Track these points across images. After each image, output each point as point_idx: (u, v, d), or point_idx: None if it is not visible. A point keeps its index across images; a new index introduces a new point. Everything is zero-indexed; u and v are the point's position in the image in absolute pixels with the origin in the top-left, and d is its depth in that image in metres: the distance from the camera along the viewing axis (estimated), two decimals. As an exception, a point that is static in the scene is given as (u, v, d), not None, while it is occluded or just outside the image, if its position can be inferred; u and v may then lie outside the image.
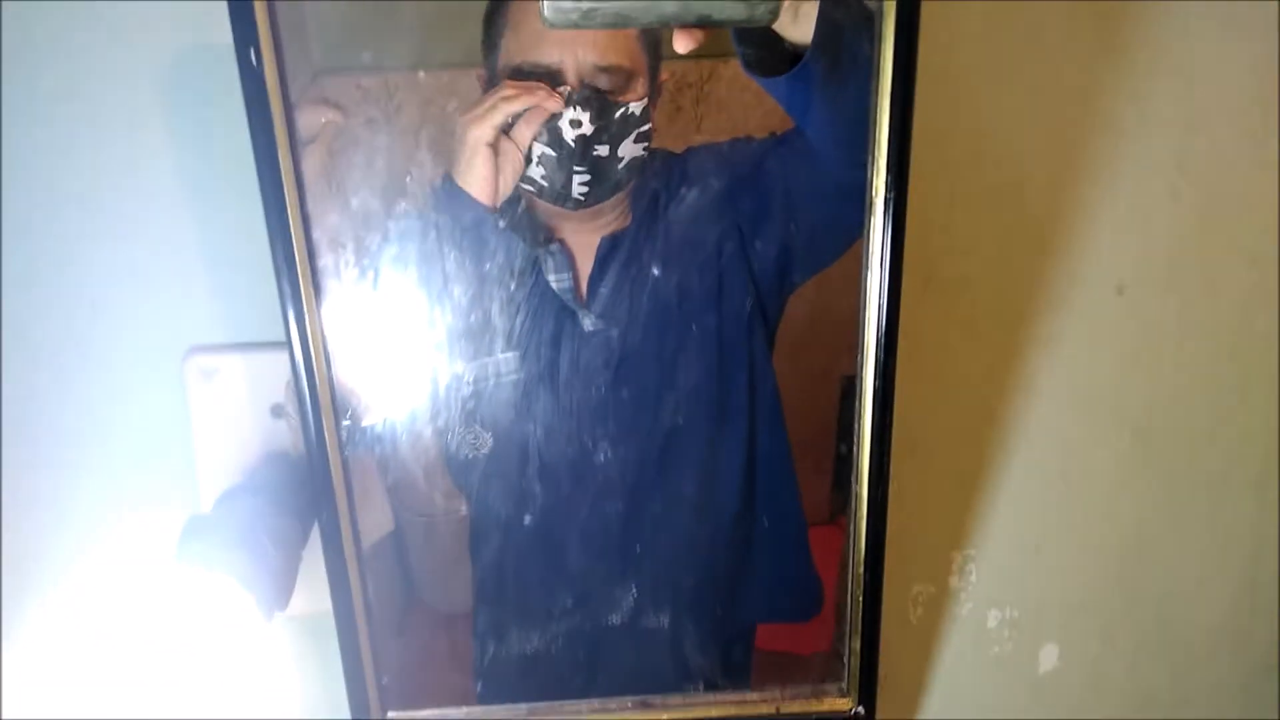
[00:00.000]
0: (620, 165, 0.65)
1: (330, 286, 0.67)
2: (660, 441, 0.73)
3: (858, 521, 0.75)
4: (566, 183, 0.65)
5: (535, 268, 0.69)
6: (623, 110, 0.64)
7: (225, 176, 0.69)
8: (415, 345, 0.70)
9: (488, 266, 0.69)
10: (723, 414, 0.72)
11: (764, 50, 0.61)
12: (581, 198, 0.65)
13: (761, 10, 0.51)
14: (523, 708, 0.80)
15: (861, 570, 0.76)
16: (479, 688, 0.80)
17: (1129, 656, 0.84)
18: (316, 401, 0.69)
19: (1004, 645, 0.83)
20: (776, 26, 0.59)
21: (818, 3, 0.57)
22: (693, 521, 0.75)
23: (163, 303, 0.72)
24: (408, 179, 0.67)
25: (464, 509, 0.75)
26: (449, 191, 0.65)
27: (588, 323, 0.70)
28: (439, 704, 0.80)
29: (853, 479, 0.74)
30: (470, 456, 0.72)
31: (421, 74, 0.66)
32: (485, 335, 0.70)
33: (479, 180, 0.64)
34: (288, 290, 0.66)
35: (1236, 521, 0.81)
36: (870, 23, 0.60)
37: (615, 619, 0.78)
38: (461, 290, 0.69)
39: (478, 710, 0.80)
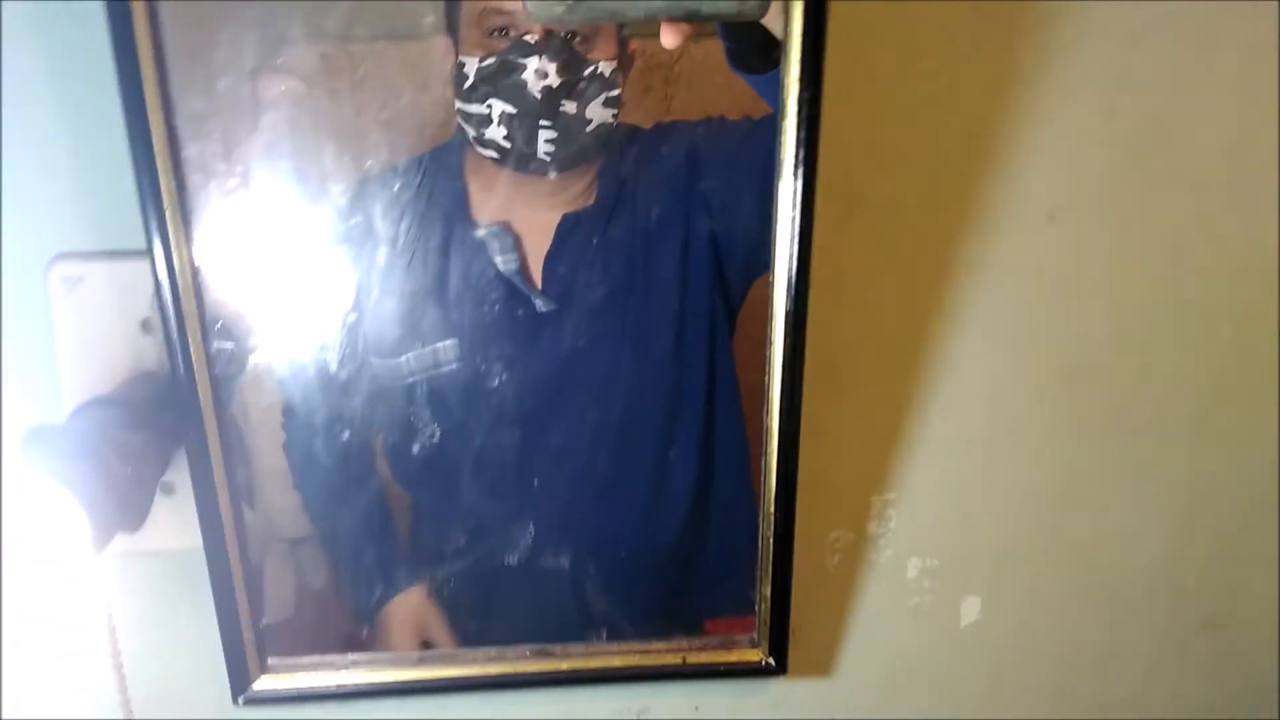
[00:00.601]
0: (588, 128, 0.62)
1: (206, 194, 0.62)
2: (614, 431, 0.70)
3: (768, 457, 0.71)
4: (531, 139, 0.62)
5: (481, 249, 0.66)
6: (592, 68, 0.61)
7: (97, 74, 0.63)
8: (301, 268, 0.66)
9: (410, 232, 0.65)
10: (678, 403, 0.70)
11: (750, 45, 0.60)
12: (547, 157, 0.63)
13: (751, 5, 0.50)
14: (413, 655, 0.76)
15: (772, 510, 0.71)
16: (366, 633, 0.75)
17: (1056, 610, 0.80)
18: (180, 313, 0.64)
19: (924, 596, 0.79)
20: (765, 21, 0.56)
21: None
22: (645, 512, 0.73)
23: (26, 207, 0.66)
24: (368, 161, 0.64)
25: (346, 436, 0.69)
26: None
27: (540, 304, 0.67)
28: (323, 650, 0.76)
29: (763, 411, 0.70)
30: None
31: (382, 44, 0.62)
32: (415, 312, 0.66)
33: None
34: (147, 190, 0.61)
35: (1172, 466, 0.77)
36: None
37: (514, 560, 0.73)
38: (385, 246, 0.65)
39: (365, 657, 0.75)
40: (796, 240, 0.64)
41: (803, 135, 0.61)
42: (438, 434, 0.70)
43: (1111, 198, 0.71)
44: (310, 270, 0.66)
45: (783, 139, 0.62)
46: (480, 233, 0.66)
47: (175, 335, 0.64)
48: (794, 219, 0.64)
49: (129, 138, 0.60)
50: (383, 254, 0.66)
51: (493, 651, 0.76)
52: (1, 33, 0.63)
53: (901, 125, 0.69)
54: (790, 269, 0.65)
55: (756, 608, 0.74)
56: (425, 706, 0.78)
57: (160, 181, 0.61)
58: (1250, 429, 0.78)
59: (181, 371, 0.65)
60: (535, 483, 0.71)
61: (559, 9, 0.50)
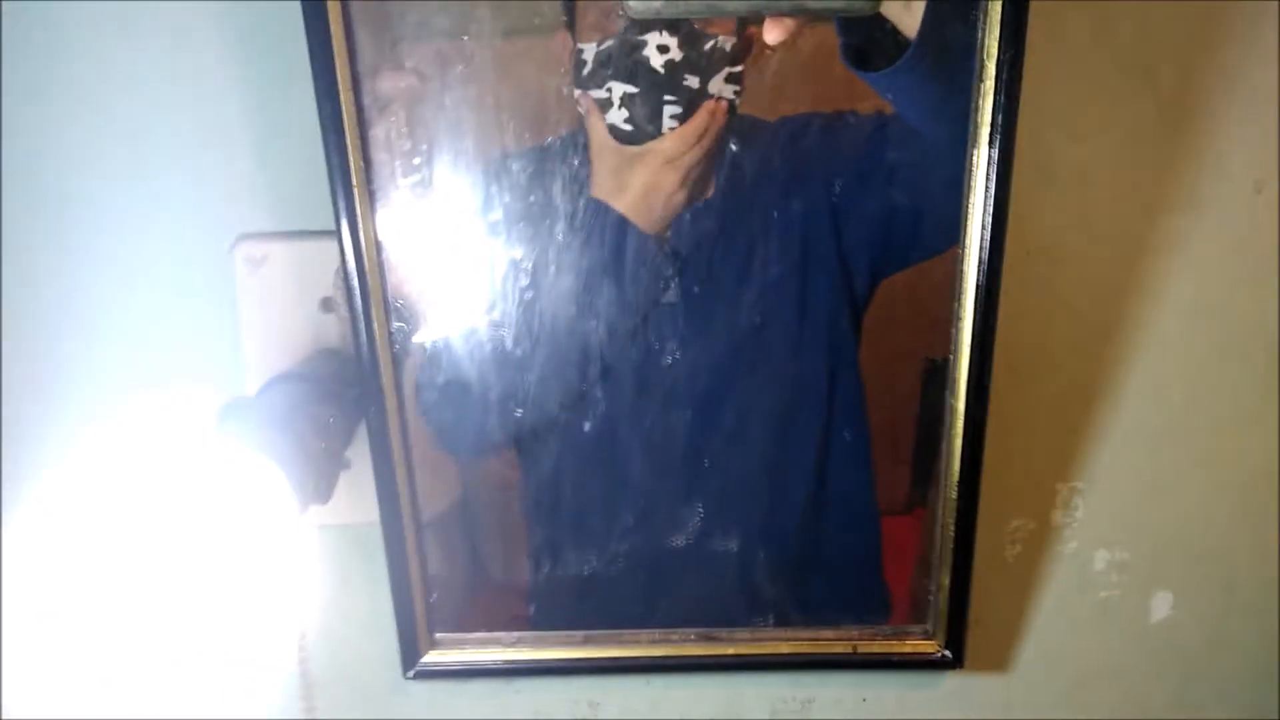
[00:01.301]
0: (711, 101, 0.60)
1: (387, 181, 0.63)
2: (731, 422, 0.69)
3: (952, 440, 0.68)
4: (655, 118, 0.60)
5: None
6: (713, 41, 0.59)
7: (280, 60, 0.65)
8: (470, 252, 0.66)
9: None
10: (799, 398, 0.68)
11: (867, 41, 0.57)
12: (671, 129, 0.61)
13: (860, 2, 0.48)
14: (578, 635, 0.75)
15: (954, 495, 0.68)
16: (532, 611, 0.75)
17: (1252, 609, 0.75)
18: (367, 294, 0.65)
19: (1111, 590, 0.74)
20: (884, 11, 0.54)
21: None
22: (763, 496, 0.71)
23: (211, 189, 0.68)
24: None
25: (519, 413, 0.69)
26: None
27: (670, 294, 0.66)
28: (490, 627, 0.76)
29: (948, 392, 0.67)
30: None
31: (498, 41, 0.62)
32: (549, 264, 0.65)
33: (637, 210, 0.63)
34: (338, 175, 0.62)
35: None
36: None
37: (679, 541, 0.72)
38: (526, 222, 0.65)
39: (530, 635, 0.76)
40: (991, 212, 0.61)
41: (1001, 100, 0.58)
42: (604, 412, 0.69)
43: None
44: (485, 249, 0.66)
45: (981, 103, 0.59)
46: (597, 214, 0.65)
47: (360, 313, 0.65)
48: (988, 189, 0.60)
49: (320, 117, 0.60)
50: (545, 234, 0.65)
51: (657, 634, 0.75)
52: (198, 24, 0.65)
53: (1097, 92, 0.65)
54: (983, 242, 0.62)
55: (933, 598, 0.72)
56: (589, 686, 0.78)
57: (349, 160, 0.62)
58: None
59: (365, 348, 0.66)
60: (705, 464, 0.70)
61: (657, 4, 0.49)
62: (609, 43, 0.60)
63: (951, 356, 0.66)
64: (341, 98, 0.60)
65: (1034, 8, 0.55)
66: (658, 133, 0.61)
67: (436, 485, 0.72)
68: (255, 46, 0.65)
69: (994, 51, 0.58)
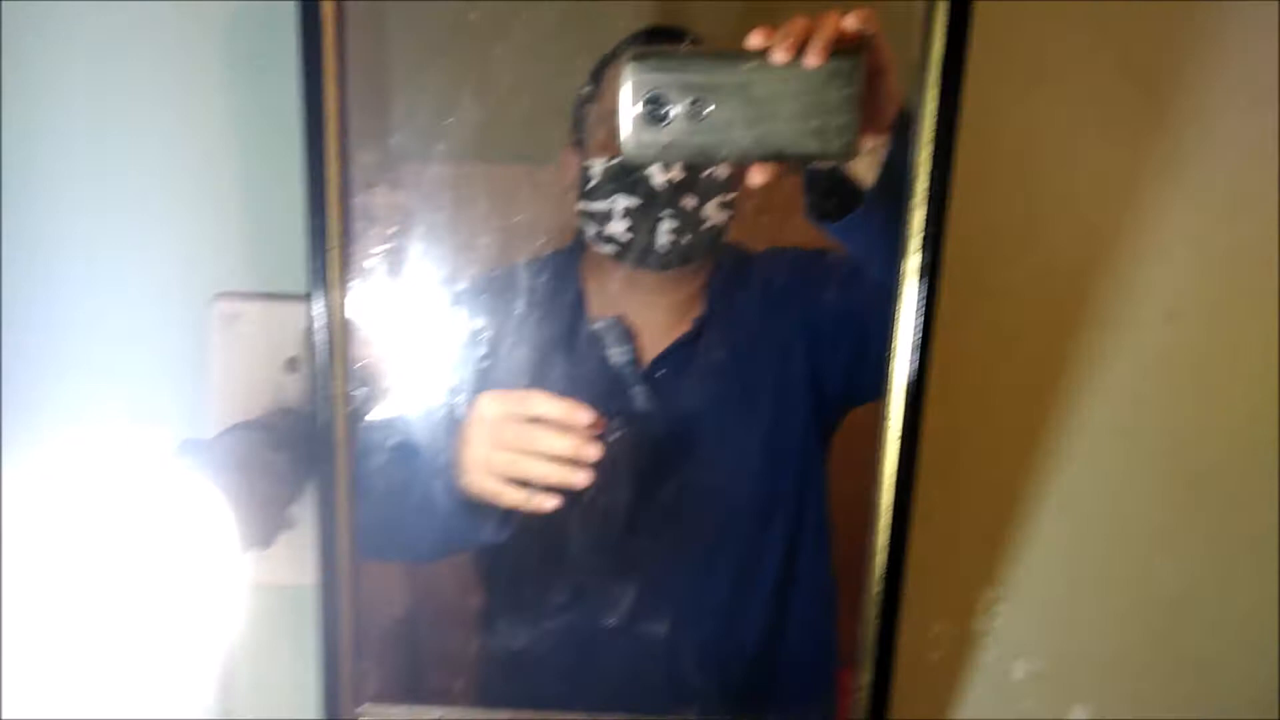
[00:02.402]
0: (703, 226, 0.65)
1: (365, 243, 0.67)
2: (701, 539, 0.71)
3: (875, 538, 0.70)
4: (653, 231, 0.65)
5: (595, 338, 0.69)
6: (710, 170, 0.64)
7: (273, 131, 0.70)
8: (435, 322, 0.70)
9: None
10: (766, 520, 0.71)
11: (830, 194, 0.61)
12: (666, 249, 0.65)
13: (836, 145, 0.53)
14: (505, 713, 0.75)
15: (877, 591, 0.71)
16: (460, 686, 0.75)
17: (1166, 725, 0.76)
18: (331, 352, 0.68)
19: (1030, 701, 0.76)
20: (852, 168, 0.60)
21: (888, 144, 0.58)
22: (731, 603, 0.72)
23: (198, 248, 0.72)
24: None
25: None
26: None
27: (641, 401, 0.69)
28: (417, 700, 0.76)
29: (874, 489, 0.70)
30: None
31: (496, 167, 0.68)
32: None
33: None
34: (317, 240, 0.66)
35: (1289, 586, 0.75)
36: None
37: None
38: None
39: (457, 711, 0.75)
40: (921, 324, 0.66)
41: (931, 229, 0.63)
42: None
43: (1229, 301, 0.72)
44: (448, 325, 0.70)
45: (910, 227, 0.64)
46: (597, 325, 0.69)
47: (322, 373, 0.68)
48: (919, 300, 0.65)
49: (307, 184, 0.65)
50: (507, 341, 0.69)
51: (584, 716, 0.75)
52: (191, 84, 0.70)
53: (1024, 217, 0.71)
54: (912, 351, 0.66)
55: (854, 696, 0.73)
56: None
57: (329, 227, 0.66)
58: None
59: (322, 405, 0.68)
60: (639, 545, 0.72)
61: (652, 150, 0.53)
62: (617, 160, 0.64)
63: (879, 454, 0.69)
64: (328, 168, 0.65)
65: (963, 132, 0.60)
66: (652, 246, 0.65)
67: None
68: (250, 118, 0.70)
69: (923, 178, 0.64)
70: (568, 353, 0.69)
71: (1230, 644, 0.76)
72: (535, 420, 0.64)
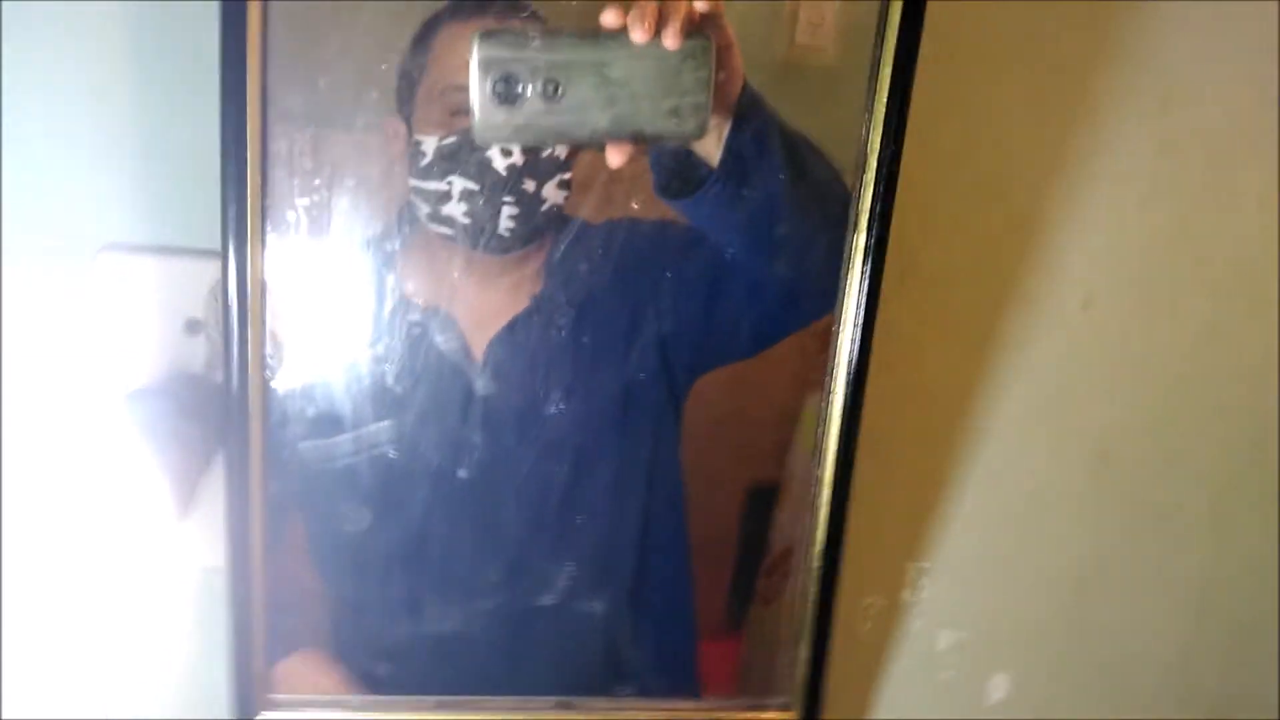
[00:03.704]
0: (543, 208, 0.62)
1: (279, 193, 0.61)
2: (552, 521, 0.69)
3: (817, 511, 0.70)
4: (494, 216, 0.62)
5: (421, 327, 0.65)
6: (550, 149, 0.61)
7: (176, 66, 0.63)
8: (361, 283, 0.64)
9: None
10: (620, 497, 0.69)
11: (679, 172, 0.61)
12: (507, 234, 0.62)
13: (691, 125, 0.53)
14: (430, 700, 0.72)
15: (816, 565, 0.71)
16: (383, 671, 0.70)
17: (1080, 692, 0.80)
18: (245, 314, 0.62)
19: (953, 670, 0.78)
20: (696, 146, 0.59)
21: (730, 122, 0.58)
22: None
23: (82, 195, 0.65)
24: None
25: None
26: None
27: (480, 385, 0.66)
28: (334, 686, 0.71)
29: (815, 464, 0.69)
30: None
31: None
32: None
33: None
34: (232, 188, 0.60)
35: (1188, 558, 0.79)
36: (785, 134, 0.60)
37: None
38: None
39: (378, 699, 0.71)
40: (864, 302, 0.65)
41: (878, 208, 0.64)
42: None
43: (1142, 290, 0.75)
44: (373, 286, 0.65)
45: (861, 204, 0.64)
46: (416, 316, 0.65)
47: (234, 335, 0.62)
48: (864, 276, 0.65)
49: (223, 126, 0.58)
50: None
51: (514, 700, 0.72)
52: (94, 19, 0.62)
53: (956, 200, 0.72)
54: (855, 328, 0.66)
55: (792, 670, 0.73)
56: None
57: (246, 175, 0.60)
58: (1260, 525, 0.80)
59: (235, 375, 0.63)
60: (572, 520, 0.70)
61: (505, 131, 0.52)
62: (451, 139, 0.60)
63: (821, 429, 0.69)
64: (249, 108, 0.59)
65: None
66: (495, 231, 0.62)
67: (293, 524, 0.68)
68: (150, 47, 0.63)
69: (876, 147, 0.64)
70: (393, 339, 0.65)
71: (1140, 612, 0.80)
72: None
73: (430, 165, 0.61)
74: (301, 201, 0.63)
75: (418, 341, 0.65)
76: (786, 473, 0.71)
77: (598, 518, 0.69)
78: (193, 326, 0.67)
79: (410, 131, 0.61)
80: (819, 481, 0.69)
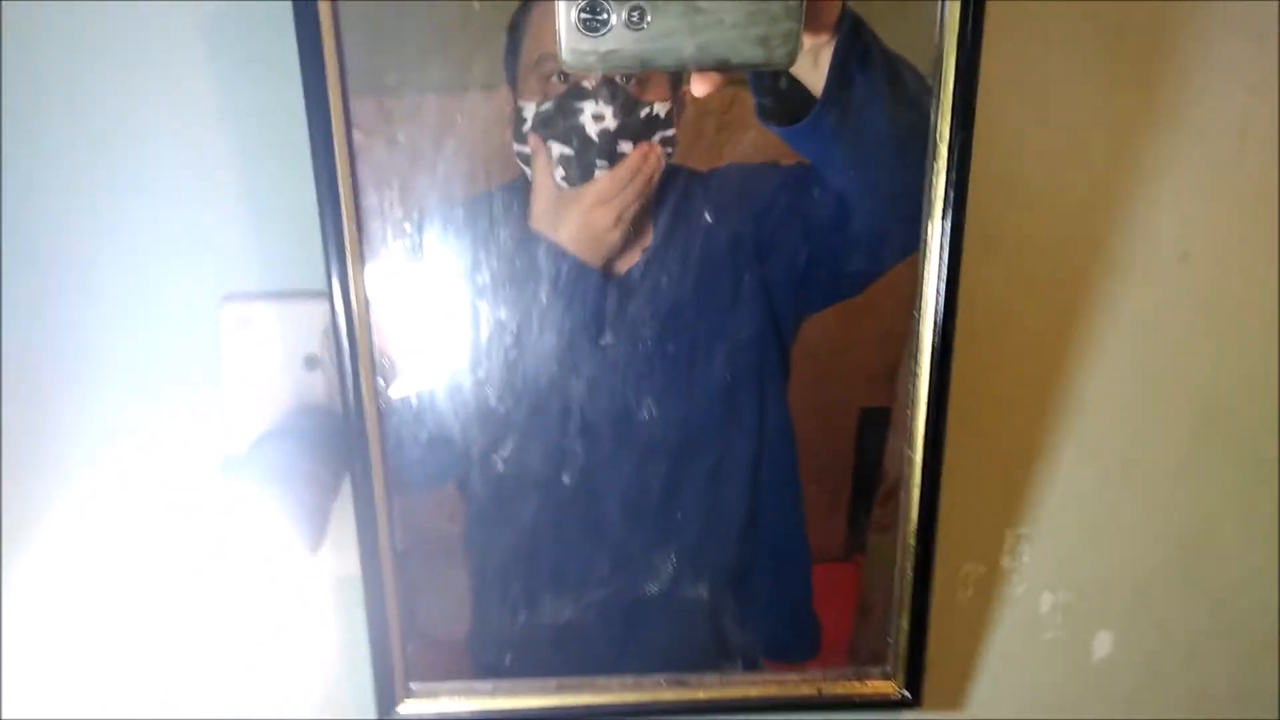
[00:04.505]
0: None
1: (374, 238, 0.65)
2: (663, 467, 0.71)
3: (910, 489, 0.72)
4: (588, 177, 0.63)
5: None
6: (647, 109, 0.63)
7: (270, 122, 0.67)
8: (454, 311, 0.68)
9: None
10: (728, 441, 0.71)
11: (780, 98, 0.60)
12: None
13: (780, 53, 0.51)
14: (552, 682, 0.77)
15: (912, 543, 0.73)
16: (508, 660, 0.76)
17: (1185, 648, 0.80)
18: (355, 351, 0.68)
19: (1057, 630, 0.79)
20: (794, 71, 0.58)
21: (834, 46, 0.57)
22: (701, 540, 0.73)
23: (202, 250, 0.70)
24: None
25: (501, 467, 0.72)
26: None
27: (606, 337, 0.68)
28: (465, 676, 0.77)
29: (906, 444, 0.71)
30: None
31: (434, 97, 0.64)
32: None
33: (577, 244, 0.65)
34: (331, 235, 0.65)
35: (1300, 508, 0.78)
36: (891, 66, 0.60)
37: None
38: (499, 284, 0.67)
39: (505, 684, 0.77)
40: (944, 279, 0.66)
41: (953, 177, 0.64)
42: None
43: (1241, 241, 0.73)
44: (471, 312, 0.69)
45: (935, 179, 0.64)
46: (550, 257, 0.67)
47: (348, 369, 0.67)
48: (941, 258, 0.66)
49: (317, 184, 0.63)
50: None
51: (629, 680, 0.77)
52: (189, 81, 0.66)
53: (1038, 168, 0.71)
54: (938, 306, 0.67)
55: (892, 640, 0.76)
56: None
57: (344, 225, 0.64)
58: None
59: (351, 404, 0.68)
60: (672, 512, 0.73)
61: (591, 58, 0.51)
62: (547, 105, 0.62)
63: (909, 411, 0.70)
64: (338, 166, 0.63)
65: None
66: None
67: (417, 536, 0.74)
68: (252, 112, 0.67)
69: (945, 134, 0.64)
70: (535, 278, 0.67)
71: (1244, 570, 0.79)
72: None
73: (531, 130, 0.63)
74: (395, 243, 0.67)
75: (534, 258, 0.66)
76: (896, 397, 0.70)
77: (708, 465, 0.71)
78: (311, 362, 0.72)
79: (515, 99, 0.63)
80: (909, 459, 0.71)
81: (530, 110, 0.63)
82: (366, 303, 0.66)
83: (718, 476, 0.72)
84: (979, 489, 0.76)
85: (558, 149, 0.63)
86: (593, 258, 0.67)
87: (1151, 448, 0.76)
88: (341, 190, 0.64)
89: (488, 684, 0.77)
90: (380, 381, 0.69)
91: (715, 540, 0.73)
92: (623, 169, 0.64)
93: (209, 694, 0.77)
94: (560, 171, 0.63)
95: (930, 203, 0.65)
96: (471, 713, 0.77)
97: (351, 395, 0.68)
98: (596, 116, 0.62)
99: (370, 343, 0.68)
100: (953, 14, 0.60)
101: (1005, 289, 0.72)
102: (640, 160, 0.64)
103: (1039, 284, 0.73)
